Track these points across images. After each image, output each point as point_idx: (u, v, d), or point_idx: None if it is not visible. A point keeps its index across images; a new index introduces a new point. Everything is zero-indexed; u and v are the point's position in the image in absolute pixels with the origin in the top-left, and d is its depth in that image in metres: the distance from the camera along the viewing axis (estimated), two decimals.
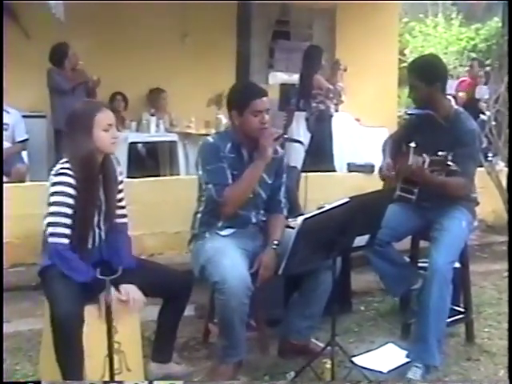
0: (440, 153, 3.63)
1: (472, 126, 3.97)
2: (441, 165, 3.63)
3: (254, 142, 3.68)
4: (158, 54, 8.29)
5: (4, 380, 3.47)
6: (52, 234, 3.18)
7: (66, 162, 3.24)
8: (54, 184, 3.21)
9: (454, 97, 7.74)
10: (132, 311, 3.28)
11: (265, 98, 3.65)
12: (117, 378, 2.94)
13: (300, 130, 7.61)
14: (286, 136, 3.73)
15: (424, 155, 3.70)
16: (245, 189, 3.67)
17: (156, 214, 5.63)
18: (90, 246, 3.33)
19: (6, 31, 7.48)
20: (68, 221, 3.19)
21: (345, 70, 8.56)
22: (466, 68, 11.21)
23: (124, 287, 3.23)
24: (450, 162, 3.60)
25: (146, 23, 8.18)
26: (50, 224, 3.19)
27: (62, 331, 3.04)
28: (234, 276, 3.35)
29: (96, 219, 3.34)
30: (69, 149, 3.28)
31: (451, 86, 9.74)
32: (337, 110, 8.20)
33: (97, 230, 3.36)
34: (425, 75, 3.89)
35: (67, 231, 3.19)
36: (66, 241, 3.19)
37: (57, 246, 3.17)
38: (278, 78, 7.48)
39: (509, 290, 4.53)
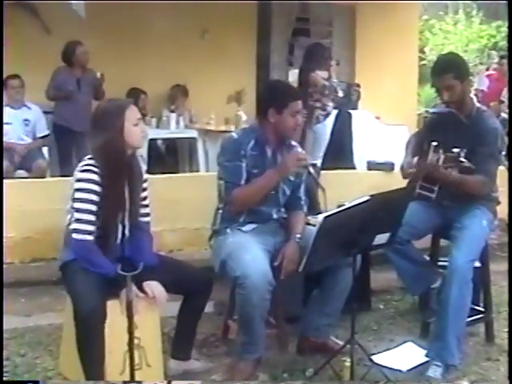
0: (454, 149, 3.63)
1: (494, 124, 3.94)
2: (454, 161, 3.62)
3: (280, 141, 3.74)
4: (177, 51, 8.31)
5: (25, 376, 3.53)
6: (76, 231, 3.20)
7: (91, 158, 3.26)
8: (79, 180, 3.23)
9: (476, 95, 7.74)
10: (155, 307, 3.32)
11: (299, 101, 3.73)
12: (137, 374, 2.95)
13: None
14: (307, 166, 3.72)
15: (440, 152, 3.70)
16: (254, 194, 3.68)
17: (175, 210, 5.63)
18: (112, 242, 3.35)
19: (27, 27, 7.54)
20: (92, 217, 3.22)
21: (337, 64, 8.40)
22: (494, 65, 11.12)
23: (148, 284, 3.26)
24: (462, 159, 3.59)
25: (165, 19, 8.19)
26: (74, 220, 3.21)
27: (84, 326, 3.06)
28: (256, 271, 3.35)
29: (120, 216, 3.36)
30: (96, 146, 3.27)
31: (482, 80, 9.72)
32: (354, 108, 8.14)
33: (120, 227, 3.38)
34: (460, 72, 3.87)
35: (91, 228, 3.21)
36: (89, 237, 3.21)
37: (81, 242, 3.20)
38: (297, 75, 7.45)
39: (509, 289, 4.52)
